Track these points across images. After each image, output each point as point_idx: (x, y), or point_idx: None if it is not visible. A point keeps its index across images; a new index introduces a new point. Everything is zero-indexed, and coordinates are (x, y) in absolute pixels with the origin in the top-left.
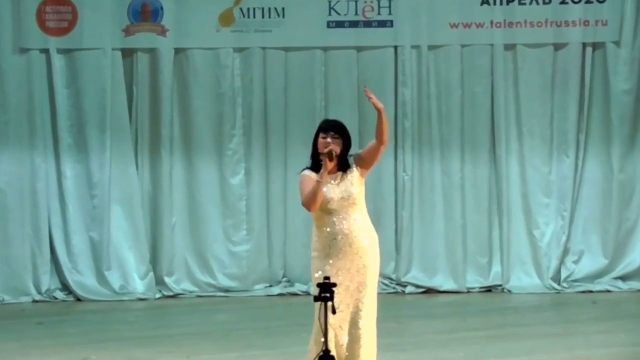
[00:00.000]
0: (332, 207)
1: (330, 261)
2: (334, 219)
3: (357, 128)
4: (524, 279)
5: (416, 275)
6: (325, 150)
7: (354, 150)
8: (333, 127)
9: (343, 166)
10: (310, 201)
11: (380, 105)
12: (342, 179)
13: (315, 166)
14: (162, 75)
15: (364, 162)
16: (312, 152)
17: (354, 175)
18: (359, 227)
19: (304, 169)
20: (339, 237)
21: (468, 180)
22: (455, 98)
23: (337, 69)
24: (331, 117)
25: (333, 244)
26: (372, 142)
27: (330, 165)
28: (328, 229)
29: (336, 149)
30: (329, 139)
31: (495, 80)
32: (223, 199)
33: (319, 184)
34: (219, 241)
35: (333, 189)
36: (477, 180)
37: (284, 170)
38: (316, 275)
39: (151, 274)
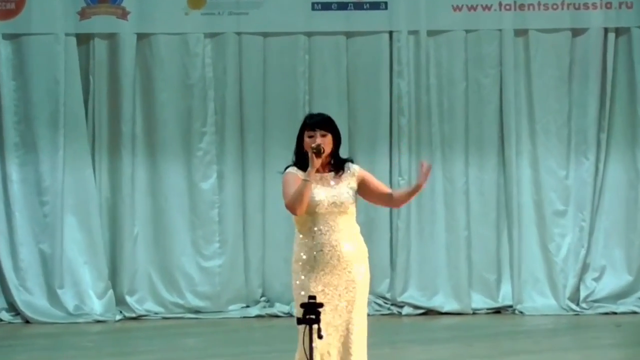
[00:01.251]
0: (319, 211)
1: (315, 276)
2: (321, 227)
3: (346, 125)
4: (538, 299)
5: (414, 295)
6: (314, 145)
7: (344, 150)
8: (320, 123)
9: (336, 167)
10: (296, 202)
11: (424, 185)
12: (335, 182)
13: (301, 164)
14: (122, 64)
15: (365, 191)
16: (295, 149)
17: (351, 183)
18: (348, 239)
19: (287, 167)
20: (326, 249)
21: (473, 186)
22: (459, 91)
23: (323, 58)
24: (316, 111)
25: (319, 257)
26: (387, 193)
27: (318, 162)
28: (313, 238)
29: (327, 146)
30: (318, 138)
31: (504, 70)
32: (192, 207)
33: (306, 183)
34: (187, 255)
35: (323, 192)
36: (483, 185)
37: (262, 173)
38: (301, 293)
39: (110, 292)
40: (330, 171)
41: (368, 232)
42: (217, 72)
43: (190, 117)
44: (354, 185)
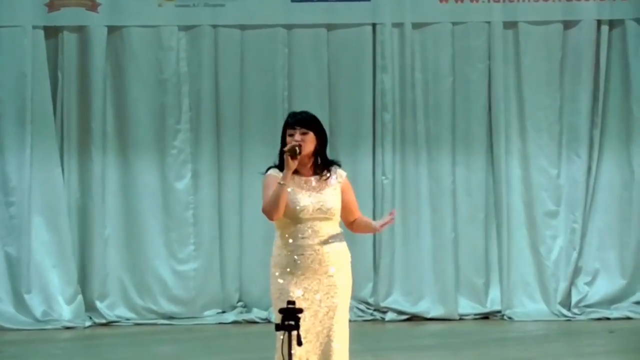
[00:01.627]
0: (304, 217)
1: (295, 280)
2: (303, 231)
3: (327, 122)
4: (528, 304)
5: (398, 300)
6: (287, 147)
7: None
8: (301, 121)
9: (321, 169)
10: (271, 207)
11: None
12: (320, 187)
13: (283, 165)
14: (93, 58)
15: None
16: (280, 149)
17: (337, 189)
18: (331, 243)
19: (269, 168)
20: (307, 252)
21: (460, 186)
22: (445, 86)
23: (304, 51)
24: (296, 109)
25: (299, 260)
26: (354, 217)
27: (293, 164)
28: (294, 242)
29: (308, 145)
30: (297, 136)
31: (493, 65)
32: (166, 208)
33: (281, 187)
34: (161, 258)
35: (308, 197)
36: (471, 185)
37: (239, 172)
38: (280, 298)
39: (80, 297)
40: (315, 174)
41: (350, 233)
42: (192, 66)
43: (164, 113)
44: (339, 190)
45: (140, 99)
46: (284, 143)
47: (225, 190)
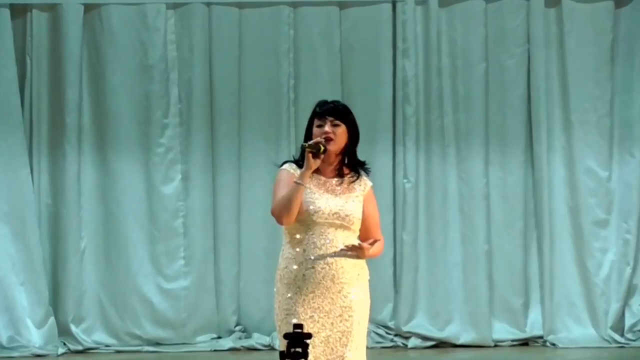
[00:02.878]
0: (317, 220)
1: (304, 299)
2: (315, 240)
3: None
4: (574, 329)
5: (423, 324)
6: (310, 142)
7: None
8: (333, 111)
9: (348, 171)
10: (282, 209)
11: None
12: (342, 190)
13: (301, 160)
14: (66, 41)
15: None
16: (304, 142)
17: (360, 197)
18: (347, 257)
19: (285, 162)
20: (319, 266)
21: (495, 189)
22: (477, 74)
23: (312, 33)
24: (304, 99)
25: (309, 275)
26: (372, 237)
27: (315, 164)
28: (304, 252)
29: (338, 140)
30: (327, 127)
31: (532, 49)
32: (151, 215)
33: (297, 187)
34: (146, 274)
35: (325, 199)
36: (507, 189)
37: (236, 174)
38: (285, 320)
39: (52, 320)
40: (338, 175)
41: None
42: (182, 50)
43: (149, 105)
44: (362, 199)
45: (121, 89)
46: (309, 136)
47: (220, 194)
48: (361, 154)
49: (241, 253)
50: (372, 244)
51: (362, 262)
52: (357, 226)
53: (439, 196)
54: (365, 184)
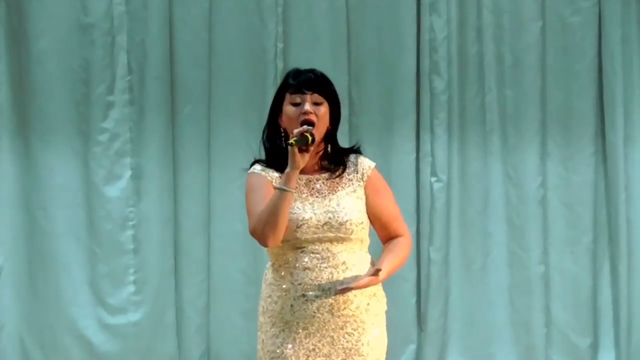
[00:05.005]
0: (304, 236)
1: (294, 338)
2: (305, 260)
3: (345, 92)
4: None
5: None
6: (297, 131)
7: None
8: (313, 83)
9: (333, 161)
10: (266, 227)
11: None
12: (330, 188)
13: (275, 156)
14: None
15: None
16: (267, 131)
17: (357, 190)
18: (350, 278)
19: (253, 164)
20: (312, 293)
21: (554, 192)
22: (531, 37)
23: None
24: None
25: (299, 307)
26: (384, 239)
27: (302, 160)
28: (292, 276)
29: (320, 125)
30: (306, 106)
31: (605, 2)
32: (91, 226)
33: (284, 194)
34: (82, 305)
35: (311, 205)
36: (570, 191)
37: (205, 170)
38: None
39: None
40: (322, 169)
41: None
42: (132, 4)
43: (89, 78)
44: (362, 192)
45: (50, 56)
46: (274, 119)
47: (184, 198)
48: (374, 144)
49: (212, 276)
50: (375, 272)
51: (375, 287)
52: (360, 234)
53: (479, 201)
54: (362, 167)
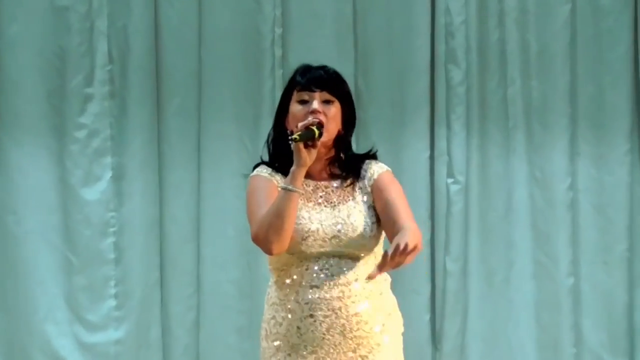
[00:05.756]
0: (310, 250)
1: None
2: (314, 276)
3: (352, 83)
4: None
5: None
6: (302, 124)
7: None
8: (323, 81)
9: (346, 168)
10: (270, 230)
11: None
12: (340, 197)
13: (282, 159)
14: None
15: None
16: (272, 134)
17: (367, 198)
18: (365, 298)
19: (256, 166)
20: (321, 313)
21: (586, 194)
22: (559, 19)
23: None
24: (296, 56)
25: (306, 328)
26: (399, 225)
27: (310, 156)
28: (298, 294)
29: (331, 126)
30: (315, 104)
31: None
32: (67, 233)
33: (290, 195)
34: (58, 321)
35: (318, 215)
36: (604, 193)
37: (195, 171)
38: None
39: None
40: (332, 177)
41: (393, 277)
42: None
43: (64, 68)
44: (371, 199)
45: (22, 43)
46: (281, 118)
47: (171, 202)
48: (384, 141)
49: (201, 290)
50: (381, 265)
51: (389, 305)
52: (373, 245)
53: (501, 205)
54: (371, 173)
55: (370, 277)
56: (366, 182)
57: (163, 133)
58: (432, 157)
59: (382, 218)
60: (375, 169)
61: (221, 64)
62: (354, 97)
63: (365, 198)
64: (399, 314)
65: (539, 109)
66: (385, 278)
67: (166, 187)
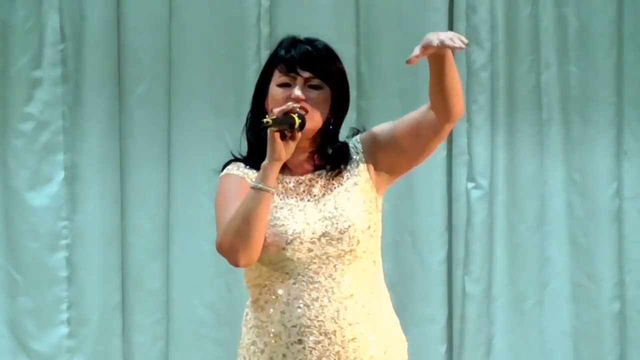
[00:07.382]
0: (295, 256)
1: None
2: (301, 291)
3: (354, 71)
4: None
5: None
6: (279, 109)
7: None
8: (308, 60)
9: (332, 158)
10: (236, 238)
11: (441, 42)
12: (326, 186)
13: (259, 153)
14: None
15: (395, 156)
16: (250, 119)
17: (359, 181)
18: (362, 316)
19: (228, 163)
20: (310, 337)
21: (633, 202)
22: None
23: None
24: (283, 33)
25: (294, 356)
26: (424, 110)
27: (288, 149)
28: (283, 315)
29: (315, 114)
30: (296, 91)
31: None
32: (9, 245)
33: (258, 194)
34: (3, 350)
35: (302, 213)
36: None
37: (164, 170)
38: None
39: None
40: (317, 168)
41: (396, 298)
42: None
43: (7, 46)
44: (365, 177)
45: None
46: (259, 105)
47: (135, 208)
48: None
49: (171, 315)
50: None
51: (391, 324)
52: (369, 245)
53: (532, 214)
54: (356, 148)
55: (410, 62)
56: (357, 159)
57: (125, 125)
58: (449, 157)
59: (405, 140)
60: (354, 141)
61: (196, 43)
62: (347, 77)
63: (356, 181)
64: (403, 338)
65: (579, 99)
66: (385, 296)
67: (129, 191)
